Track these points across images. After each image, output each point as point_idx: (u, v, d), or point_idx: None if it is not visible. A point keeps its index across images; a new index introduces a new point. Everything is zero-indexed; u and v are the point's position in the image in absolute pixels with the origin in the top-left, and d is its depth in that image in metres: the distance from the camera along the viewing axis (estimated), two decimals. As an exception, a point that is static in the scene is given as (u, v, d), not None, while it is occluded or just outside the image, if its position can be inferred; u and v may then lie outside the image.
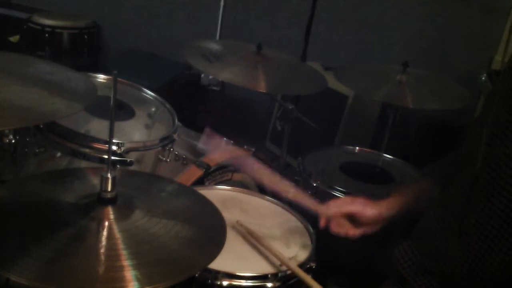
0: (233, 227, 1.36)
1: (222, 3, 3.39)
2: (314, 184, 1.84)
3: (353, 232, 1.30)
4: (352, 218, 1.31)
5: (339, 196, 1.79)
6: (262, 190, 1.94)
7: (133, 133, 1.77)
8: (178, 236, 0.99)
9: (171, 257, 0.94)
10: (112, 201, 1.00)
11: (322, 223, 1.31)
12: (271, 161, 1.98)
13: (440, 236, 1.13)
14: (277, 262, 1.27)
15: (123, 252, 0.91)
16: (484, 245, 1.05)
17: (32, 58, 1.32)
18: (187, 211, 1.12)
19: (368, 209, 1.30)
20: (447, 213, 1.14)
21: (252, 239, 1.33)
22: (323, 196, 1.82)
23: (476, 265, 1.06)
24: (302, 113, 1.97)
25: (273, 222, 1.45)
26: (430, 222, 1.19)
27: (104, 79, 1.95)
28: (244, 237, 1.35)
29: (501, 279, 1.05)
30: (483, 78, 2.72)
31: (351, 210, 1.30)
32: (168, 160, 1.74)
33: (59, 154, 1.66)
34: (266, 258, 1.29)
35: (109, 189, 0.99)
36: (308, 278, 1.19)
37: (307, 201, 1.36)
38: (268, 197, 1.57)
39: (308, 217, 1.46)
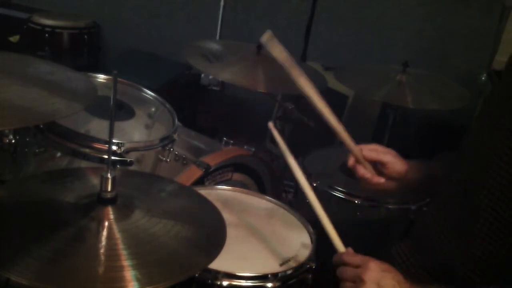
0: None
1: (222, 3, 3.39)
2: (314, 184, 1.84)
3: (377, 180, 1.29)
4: (379, 169, 1.30)
5: (339, 196, 1.79)
6: (262, 190, 1.95)
7: (133, 133, 1.77)
8: (178, 236, 0.99)
9: (171, 257, 0.94)
10: (112, 201, 1.00)
11: (351, 162, 1.29)
12: (271, 161, 1.98)
13: (437, 235, 1.14)
14: (277, 262, 1.26)
15: (123, 252, 0.91)
16: (477, 243, 1.05)
17: (32, 58, 1.32)
18: (187, 211, 1.12)
19: (398, 162, 1.29)
20: (444, 212, 1.15)
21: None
22: (323, 196, 1.82)
23: (471, 263, 1.07)
24: (302, 113, 1.97)
25: (273, 222, 1.45)
26: (428, 221, 1.19)
27: (104, 79, 1.94)
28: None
29: (497, 276, 1.05)
30: (483, 78, 2.72)
31: (383, 159, 1.29)
32: (168, 160, 1.74)
33: (59, 154, 1.66)
34: (266, 258, 1.29)
35: (109, 189, 0.99)
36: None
37: (344, 134, 1.30)
38: (268, 197, 1.57)
39: (308, 217, 1.46)
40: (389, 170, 1.29)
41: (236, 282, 1.18)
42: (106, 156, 1.57)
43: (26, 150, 1.67)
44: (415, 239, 1.23)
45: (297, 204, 1.94)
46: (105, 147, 1.59)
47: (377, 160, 1.29)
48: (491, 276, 1.06)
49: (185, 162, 1.77)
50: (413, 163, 1.32)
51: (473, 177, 1.07)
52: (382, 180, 1.29)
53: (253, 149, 1.86)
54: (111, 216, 0.98)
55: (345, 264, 1.10)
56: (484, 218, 1.04)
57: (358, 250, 1.47)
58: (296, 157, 1.99)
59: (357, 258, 1.09)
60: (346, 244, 1.15)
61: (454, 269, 1.10)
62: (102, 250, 0.91)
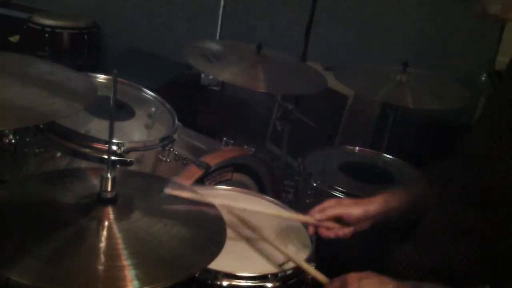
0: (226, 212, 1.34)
1: (222, 3, 3.39)
2: (314, 184, 1.84)
3: (342, 232, 1.31)
4: (340, 219, 1.31)
5: (339, 196, 1.79)
6: (262, 190, 1.95)
7: (133, 133, 1.77)
8: (178, 236, 1.00)
9: (171, 256, 0.94)
10: (112, 201, 1.00)
11: (310, 231, 1.33)
12: (271, 161, 1.98)
13: (442, 237, 1.14)
14: (277, 262, 1.27)
15: (123, 252, 0.91)
16: (484, 244, 1.05)
17: (32, 58, 1.32)
18: (187, 211, 1.12)
19: (353, 209, 1.30)
20: (445, 214, 1.15)
21: (244, 227, 1.33)
22: (323, 196, 1.82)
23: (477, 265, 1.07)
24: (302, 113, 1.97)
25: (273, 222, 1.45)
26: (430, 223, 1.19)
27: (104, 79, 1.95)
28: (236, 225, 1.35)
29: (496, 277, 1.06)
30: (483, 78, 2.72)
31: (335, 213, 1.31)
32: (168, 160, 1.74)
33: (59, 154, 1.66)
34: (266, 258, 1.29)
35: (109, 189, 0.99)
36: (307, 267, 1.21)
37: (290, 215, 1.40)
38: (268, 197, 1.57)
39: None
40: (348, 219, 1.30)
41: (236, 282, 1.18)
42: (106, 156, 1.57)
43: (26, 150, 1.67)
44: (417, 239, 1.23)
45: (297, 204, 1.94)
46: (105, 147, 1.59)
47: (331, 217, 1.31)
48: (494, 278, 1.06)
49: (185, 162, 1.77)
50: (373, 200, 1.32)
51: (480, 179, 1.07)
52: (347, 230, 1.31)
53: (253, 149, 1.86)
54: (111, 216, 0.98)
55: None
56: (492, 220, 1.04)
57: (359, 250, 1.47)
58: (296, 157, 2.00)
59: (335, 281, 1.12)
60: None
61: (454, 267, 1.10)
62: (102, 250, 0.91)
